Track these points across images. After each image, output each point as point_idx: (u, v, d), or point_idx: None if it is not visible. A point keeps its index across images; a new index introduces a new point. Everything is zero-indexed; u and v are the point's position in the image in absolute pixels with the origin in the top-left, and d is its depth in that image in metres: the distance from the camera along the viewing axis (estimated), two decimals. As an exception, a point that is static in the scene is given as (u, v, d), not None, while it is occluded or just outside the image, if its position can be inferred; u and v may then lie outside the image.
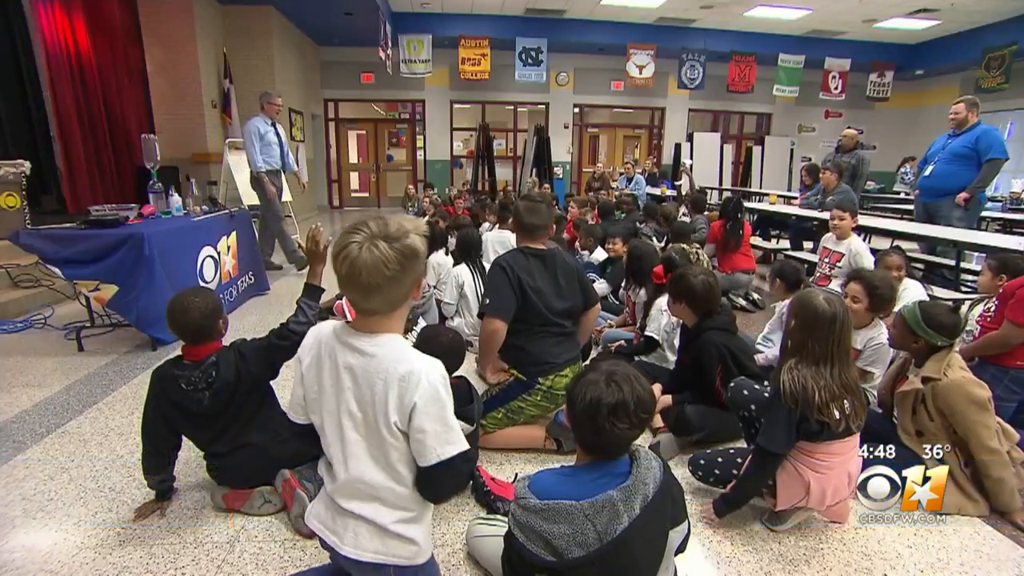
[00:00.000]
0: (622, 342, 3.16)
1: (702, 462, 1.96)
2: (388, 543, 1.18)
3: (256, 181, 5.45)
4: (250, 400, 1.84)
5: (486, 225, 5.68)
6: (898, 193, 10.44)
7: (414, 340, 2.25)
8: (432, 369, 1.13)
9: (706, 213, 6.08)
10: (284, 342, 1.83)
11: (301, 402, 1.23)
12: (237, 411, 1.81)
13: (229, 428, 1.81)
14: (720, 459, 1.94)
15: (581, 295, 2.39)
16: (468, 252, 3.57)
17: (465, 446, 1.16)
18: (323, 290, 1.98)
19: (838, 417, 1.59)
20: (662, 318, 2.82)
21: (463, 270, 3.48)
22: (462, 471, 1.17)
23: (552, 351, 2.27)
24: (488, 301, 2.23)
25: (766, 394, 1.88)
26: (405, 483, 1.17)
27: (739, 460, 1.88)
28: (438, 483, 1.17)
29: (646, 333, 2.89)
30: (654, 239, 5.06)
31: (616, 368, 1.21)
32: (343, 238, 1.08)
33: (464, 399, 1.95)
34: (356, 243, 1.05)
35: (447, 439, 1.12)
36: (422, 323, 2.54)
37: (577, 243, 4.99)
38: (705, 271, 2.37)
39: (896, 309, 3.02)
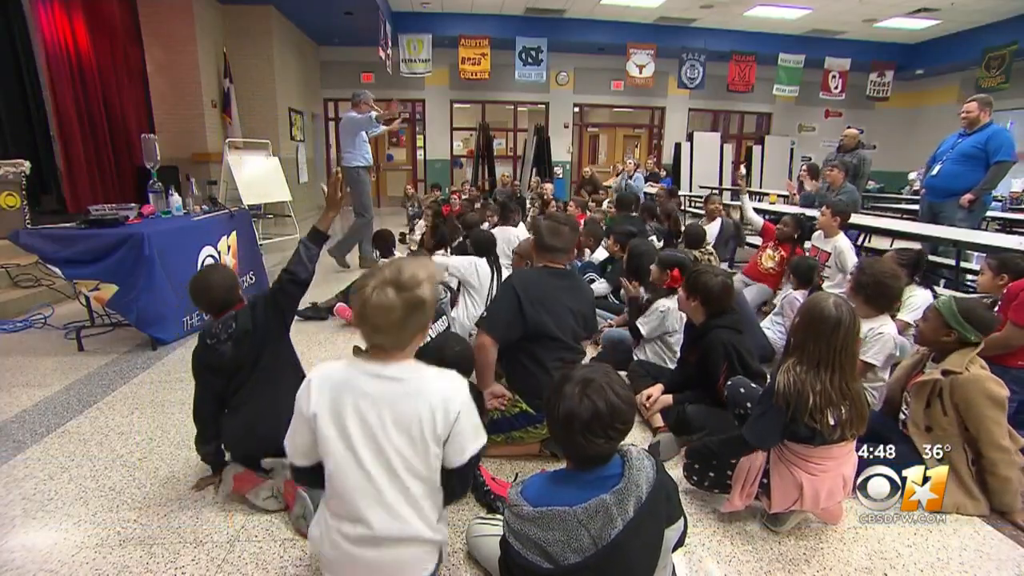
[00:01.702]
0: (610, 322, 3.33)
1: (696, 467, 1.93)
2: (433, 552, 1.32)
3: (354, 176, 5.44)
4: (267, 351, 1.91)
5: (485, 225, 5.67)
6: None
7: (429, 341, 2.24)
8: (461, 382, 1.32)
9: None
10: (281, 285, 1.94)
11: (306, 448, 1.29)
12: (255, 360, 1.91)
13: (249, 377, 1.90)
14: (714, 462, 1.91)
15: (590, 322, 2.39)
16: (484, 251, 3.57)
17: (485, 437, 1.34)
18: (328, 236, 2.04)
19: (832, 424, 1.58)
20: (654, 320, 2.81)
21: (482, 263, 3.47)
22: (476, 464, 1.34)
23: None
24: (486, 315, 2.21)
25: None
26: (437, 484, 1.31)
27: (733, 461, 1.87)
28: (464, 478, 1.33)
29: (637, 323, 2.87)
30: (654, 238, 5.05)
31: (591, 376, 1.17)
32: (363, 278, 1.24)
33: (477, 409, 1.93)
34: (371, 286, 1.19)
35: (476, 435, 1.31)
36: (441, 325, 2.49)
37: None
38: (724, 271, 2.37)
39: (901, 314, 3.05)
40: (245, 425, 1.89)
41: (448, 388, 1.27)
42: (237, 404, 1.92)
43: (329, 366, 1.29)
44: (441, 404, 1.24)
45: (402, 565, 1.27)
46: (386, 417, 1.22)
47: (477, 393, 1.99)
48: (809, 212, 5.61)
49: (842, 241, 3.93)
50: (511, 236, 4.43)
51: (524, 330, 2.14)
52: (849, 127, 6.49)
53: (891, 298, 2.41)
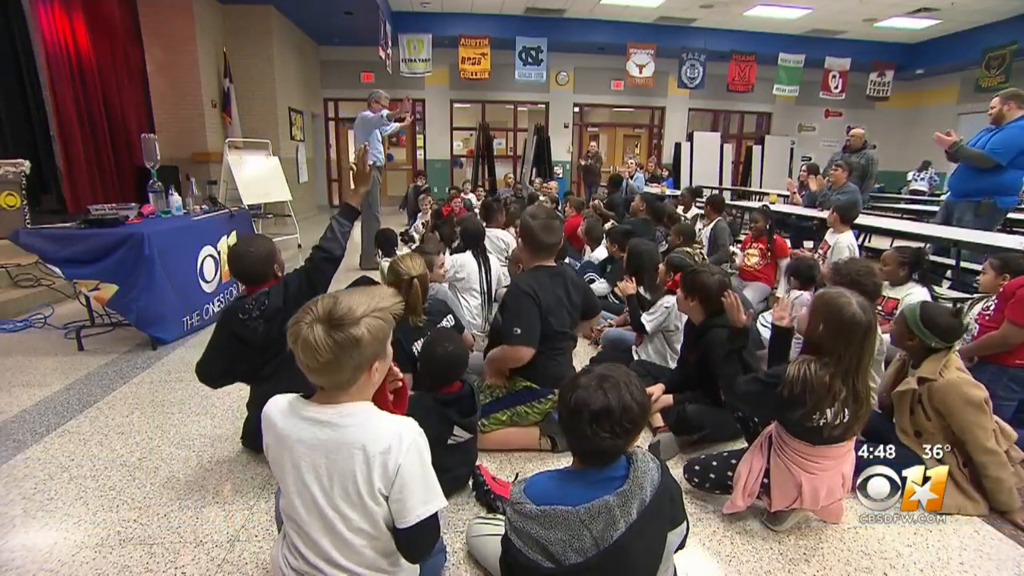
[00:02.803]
0: (610, 322, 3.37)
1: (697, 468, 1.96)
2: None
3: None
4: None
5: None
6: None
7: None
8: (408, 434, 1.13)
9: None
10: (314, 263, 2.00)
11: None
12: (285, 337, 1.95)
13: (280, 351, 1.94)
14: (715, 463, 1.94)
15: (588, 306, 2.44)
16: (471, 241, 3.56)
17: (443, 502, 1.17)
18: (359, 212, 2.12)
19: (836, 423, 1.58)
20: (660, 316, 2.82)
21: (468, 258, 3.47)
22: (436, 527, 1.20)
23: (568, 367, 2.33)
24: (519, 332, 2.14)
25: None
26: (387, 537, 1.17)
27: (733, 462, 1.88)
28: (417, 542, 1.17)
29: (642, 318, 2.87)
30: (665, 244, 5.06)
31: (611, 372, 1.18)
32: (300, 314, 1.09)
33: (467, 408, 1.92)
34: (304, 323, 1.07)
35: (426, 498, 1.13)
36: (447, 324, 2.50)
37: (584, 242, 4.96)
38: (721, 270, 2.37)
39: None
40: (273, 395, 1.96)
41: (389, 437, 1.10)
42: (267, 375, 2.01)
43: (274, 404, 1.18)
44: (379, 456, 1.08)
45: None
46: (322, 469, 1.10)
47: (470, 389, 1.99)
48: (811, 212, 5.63)
49: (841, 237, 4.04)
50: (495, 236, 4.40)
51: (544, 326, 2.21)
52: (855, 127, 6.38)
53: (869, 295, 2.41)
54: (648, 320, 2.85)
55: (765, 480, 1.75)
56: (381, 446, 1.09)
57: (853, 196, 5.44)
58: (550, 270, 2.28)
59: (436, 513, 1.15)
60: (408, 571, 1.24)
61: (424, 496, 1.13)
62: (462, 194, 8.34)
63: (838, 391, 1.56)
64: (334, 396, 1.13)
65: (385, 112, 5.39)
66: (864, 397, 1.61)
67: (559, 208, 7.09)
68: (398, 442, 1.10)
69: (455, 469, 1.91)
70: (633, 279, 2.98)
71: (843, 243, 4.01)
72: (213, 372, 2.02)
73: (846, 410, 1.58)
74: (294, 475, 1.12)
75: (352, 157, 5.59)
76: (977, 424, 1.85)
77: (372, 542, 1.15)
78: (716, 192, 8.70)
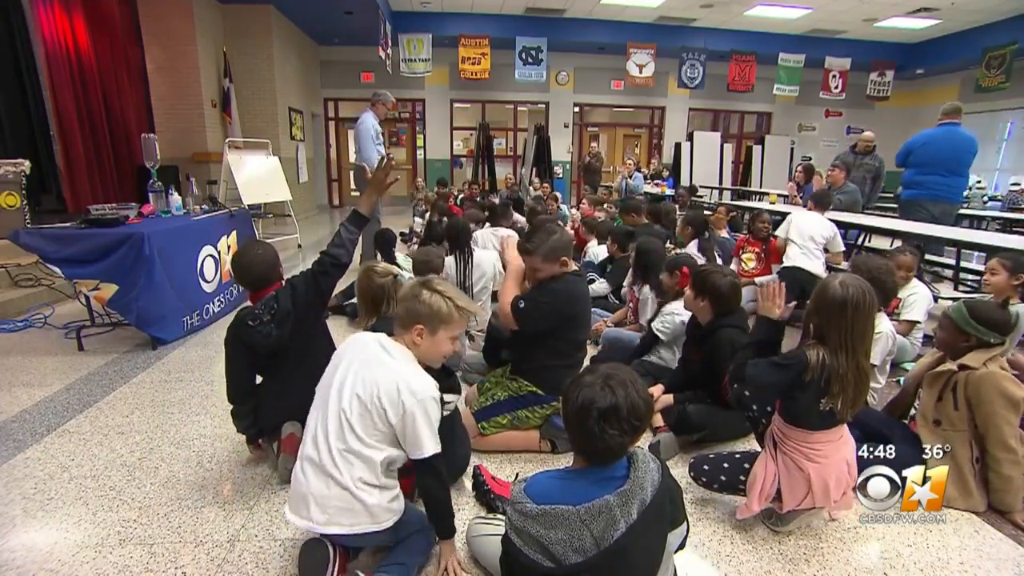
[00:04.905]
0: (607, 320, 3.48)
1: (706, 467, 1.89)
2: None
3: (362, 175, 5.48)
4: (304, 330, 2.04)
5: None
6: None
7: None
8: (434, 391, 1.48)
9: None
10: (322, 267, 2.03)
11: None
12: (298, 339, 2.03)
13: (287, 354, 2.02)
14: (726, 464, 1.87)
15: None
16: (456, 240, 3.57)
17: (438, 447, 1.48)
18: (368, 220, 2.10)
19: (840, 407, 1.58)
20: (670, 323, 2.76)
21: (450, 261, 3.49)
22: (440, 468, 1.53)
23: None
24: (522, 306, 2.14)
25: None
26: (376, 455, 1.47)
27: (746, 465, 1.82)
28: (425, 474, 1.51)
29: (655, 328, 2.83)
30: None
31: (615, 371, 1.18)
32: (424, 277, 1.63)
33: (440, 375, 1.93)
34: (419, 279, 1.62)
35: (433, 440, 1.47)
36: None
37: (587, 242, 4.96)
38: (731, 271, 2.36)
39: (904, 313, 3.07)
40: (279, 396, 2.01)
41: (416, 384, 1.44)
42: (273, 376, 2.07)
43: (363, 333, 1.60)
44: (397, 390, 1.42)
45: (324, 504, 1.41)
46: (363, 369, 1.47)
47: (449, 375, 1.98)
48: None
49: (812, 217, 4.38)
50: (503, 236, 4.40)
51: (570, 330, 2.23)
52: (865, 131, 6.41)
53: (887, 293, 2.41)
54: (662, 331, 2.78)
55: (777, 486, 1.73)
56: (410, 388, 1.43)
57: (853, 195, 5.46)
58: (577, 276, 2.29)
59: (439, 457, 1.47)
60: (396, 503, 1.49)
61: (433, 440, 1.46)
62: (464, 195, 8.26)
63: (846, 372, 1.56)
64: (399, 335, 1.56)
65: (382, 149, 5.48)
66: (864, 377, 1.60)
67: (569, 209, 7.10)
68: (419, 392, 1.43)
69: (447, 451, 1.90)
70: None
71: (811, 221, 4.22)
72: (241, 389, 2.03)
73: (850, 390, 1.57)
74: (345, 364, 1.51)
75: (353, 158, 5.60)
76: (1004, 419, 1.84)
77: (366, 454, 1.42)
78: (696, 205, 8.41)
